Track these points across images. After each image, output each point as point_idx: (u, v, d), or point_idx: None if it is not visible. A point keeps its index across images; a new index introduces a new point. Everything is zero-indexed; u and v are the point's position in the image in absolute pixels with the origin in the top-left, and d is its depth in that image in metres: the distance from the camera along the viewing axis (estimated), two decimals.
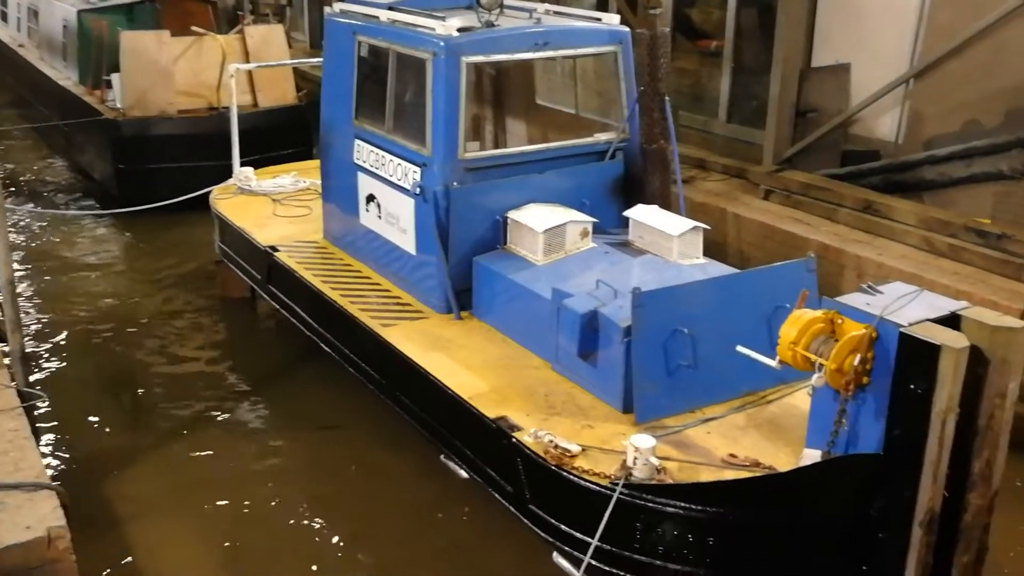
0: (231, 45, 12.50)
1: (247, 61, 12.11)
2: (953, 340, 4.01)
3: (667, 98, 6.87)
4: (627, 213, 6.64)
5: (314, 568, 5.85)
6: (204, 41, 12.40)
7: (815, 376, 4.33)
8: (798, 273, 5.66)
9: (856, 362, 4.21)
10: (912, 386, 4.07)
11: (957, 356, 3.96)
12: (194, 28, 12.53)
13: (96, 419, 7.50)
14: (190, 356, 8.59)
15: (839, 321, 4.33)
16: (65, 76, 14.50)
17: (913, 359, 4.06)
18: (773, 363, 4.55)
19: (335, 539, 6.11)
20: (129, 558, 5.91)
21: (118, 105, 12.28)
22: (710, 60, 11.92)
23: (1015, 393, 4.18)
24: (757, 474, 4.76)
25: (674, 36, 7.16)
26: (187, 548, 6.02)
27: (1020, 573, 5.78)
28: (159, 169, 11.83)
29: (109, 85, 12.62)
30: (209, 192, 9.70)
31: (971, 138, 8.45)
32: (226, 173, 10.00)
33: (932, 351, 3.99)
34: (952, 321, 4.23)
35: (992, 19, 8.18)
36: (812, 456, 4.51)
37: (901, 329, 4.10)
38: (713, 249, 6.87)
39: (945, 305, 4.35)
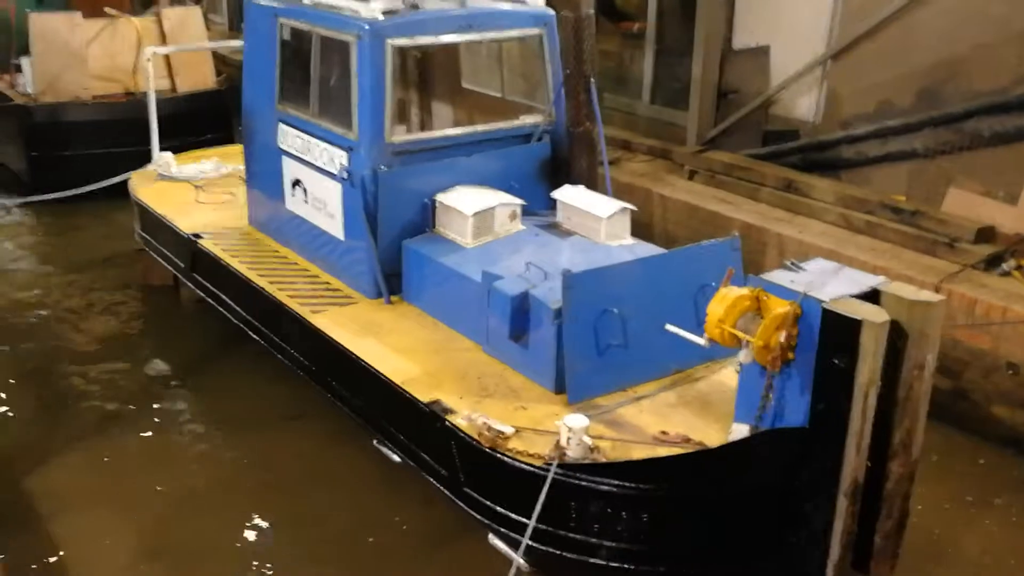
0: (147, 27, 12.15)
1: (164, 44, 11.80)
2: (874, 315, 4.13)
3: (592, 80, 6.92)
4: (555, 195, 6.68)
5: (249, 561, 5.77)
6: (118, 23, 12.04)
7: (742, 353, 4.42)
8: (723, 252, 5.76)
9: (782, 338, 4.29)
10: (835, 360, 4.17)
11: (878, 330, 4.08)
12: (107, 10, 12.16)
13: (16, 415, 7.29)
14: (113, 346, 8.38)
15: (764, 298, 4.41)
16: None
17: (836, 334, 4.16)
18: (701, 341, 4.62)
19: (268, 536, 6.00)
20: (56, 555, 5.76)
21: (29, 90, 11.87)
22: (633, 42, 12.00)
23: (933, 365, 4.33)
24: (688, 450, 4.85)
25: (597, 18, 7.18)
26: (116, 543, 5.89)
27: (951, 544, 5.98)
28: (74, 156, 11.48)
29: (19, 69, 12.19)
30: (128, 179, 9.46)
31: (885, 118, 8.69)
32: (145, 159, 9.76)
33: (854, 326, 4.09)
34: (872, 296, 4.35)
35: (901, 3, 8.41)
36: (740, 431, 4.61)
37: (824, 305, 4.20)
38: (640, 229, 6.95)
39: (865, 281, 4.46)
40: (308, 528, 6.04)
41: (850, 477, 4.30)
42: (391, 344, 6.13)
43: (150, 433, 7.06)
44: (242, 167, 8.32)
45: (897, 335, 4.21)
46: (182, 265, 8.29)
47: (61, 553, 5.78)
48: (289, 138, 7.18)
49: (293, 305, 6.71)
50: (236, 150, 9.32)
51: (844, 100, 9.24)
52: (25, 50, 11.87)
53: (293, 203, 7.33)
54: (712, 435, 5.00)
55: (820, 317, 4.21)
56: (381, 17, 6.35)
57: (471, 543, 5.52)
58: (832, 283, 4.40)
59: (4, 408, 7.35)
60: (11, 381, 7.79)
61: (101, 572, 5.68)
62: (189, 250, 7.99)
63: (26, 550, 5.72)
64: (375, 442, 6.07)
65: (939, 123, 8.19)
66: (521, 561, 4.95)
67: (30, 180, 11.80)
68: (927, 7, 8.30)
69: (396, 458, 5.90)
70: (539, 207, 6.86)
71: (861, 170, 8.89)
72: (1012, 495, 6.38)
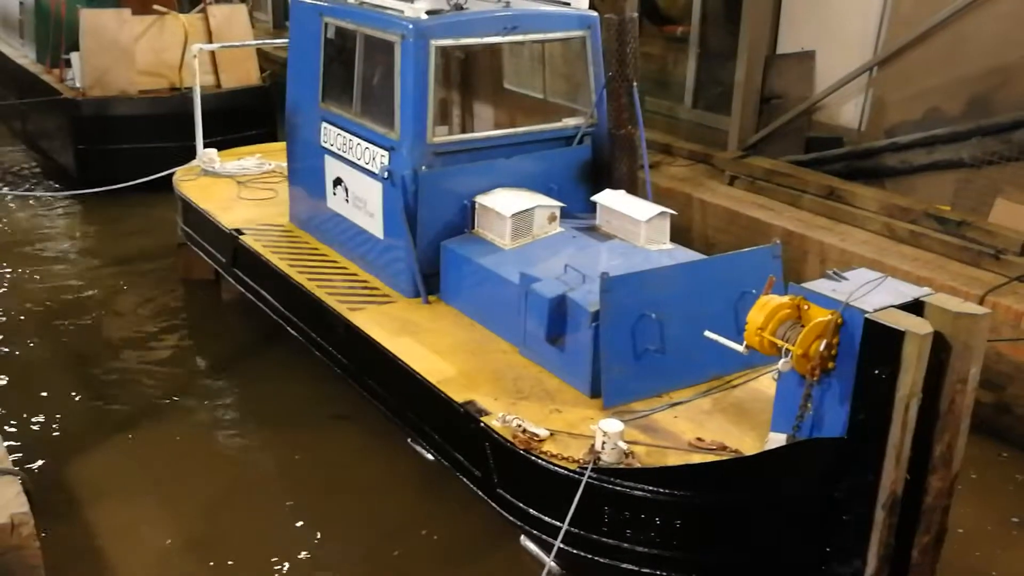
0: (193, 24, 12.32)
1: (210, 41, 11.95)
2: (917, 326, 4.07)
3: (635, 83, 6.90)
4: (595, 198, 6.66)
5: (282, 558, 5.80)
6: (166, 20, 12.21)
7: (781, 361, 4.38)
8: (764, 259, 5.72)
9: (822, 347, 4.26)
10: (876, 371, 4.12)
11: (921, 342, 4.02)
12: (155, 7, 12.32)
13: (58, 404, 7.39)
14: (154, 339, 8.49)
15: (805, 307, 4.38)
16: (22, 54, 14.22)
17: (878, 345, 4.11)
18: (740, 348, 4.59)
19: (303, 534, 6.01)
20: (94, 544, 5.84)
21: (78, 84, 12.07)
22: (676, 46, 11.96)
23: (976, 378, 4.26)
24: (724, 458, 4.82)
25: (640, 21, 7.15)
26: (152, 533, 5.96)
27: (993, 566, 5.86)
28: (120, 150, 11.67)
29: (68, 64, 12.40)
30: (172, 174, 9.57)
31: (933, 126, 8.57)
32: (189, 155, 9.87)
33: (896, 337, 4.04)
34: (916, 307, 4.29)
35: (953, 9, 8.29)
36: (777, 440, 4.57)
37: (866, 315, 4.15)
38: (679, 234, 6.91)
39: (909, 291, 4.41)
40: (344, 528, 6.06)
41: (888, 490, 4.25)
42: (428, 344, 6.14)
43: (189, 426, 7.14)
44: (284, 164, 8.39)
45: (940, 347, 4.15)
46: (223, 260, 8.37)
47: (98, 541, 5.86)
48: (331, 136, 7.23)
49: (332, 303, 6.75)
50: (279, 147, 9.40)
51: (890, 107, 9.13)
52: (74, 45, 12.08)
53: (334, 201, 7.38)
54: (748, 443, 4.97)
55: (862, 327, 4.16)
56: (425, 17, 6.37)
57: (507, 549, 5.50)
58: (875, 293, 4.34)
59: (47, 398, 7.46)
60: (54, 372, 7.91)
61: (136, 561, 5.74)
62: (230, 246, 8.07)
63: (64, 537, 5.79)
64: (409, 440, 6.09)
65: (988, 132, 8.06)
66: (553, 564, 4.94)
67: (77, 173, 12.01)
68: (980, 13, 8.17)
69: (430, 456, 5.92)
70: (579, 210, 6.84)
71: (906, 179, 8.77)
72: None
